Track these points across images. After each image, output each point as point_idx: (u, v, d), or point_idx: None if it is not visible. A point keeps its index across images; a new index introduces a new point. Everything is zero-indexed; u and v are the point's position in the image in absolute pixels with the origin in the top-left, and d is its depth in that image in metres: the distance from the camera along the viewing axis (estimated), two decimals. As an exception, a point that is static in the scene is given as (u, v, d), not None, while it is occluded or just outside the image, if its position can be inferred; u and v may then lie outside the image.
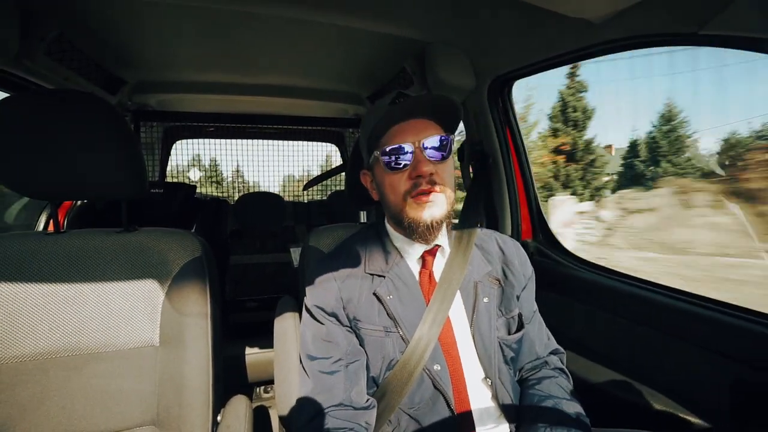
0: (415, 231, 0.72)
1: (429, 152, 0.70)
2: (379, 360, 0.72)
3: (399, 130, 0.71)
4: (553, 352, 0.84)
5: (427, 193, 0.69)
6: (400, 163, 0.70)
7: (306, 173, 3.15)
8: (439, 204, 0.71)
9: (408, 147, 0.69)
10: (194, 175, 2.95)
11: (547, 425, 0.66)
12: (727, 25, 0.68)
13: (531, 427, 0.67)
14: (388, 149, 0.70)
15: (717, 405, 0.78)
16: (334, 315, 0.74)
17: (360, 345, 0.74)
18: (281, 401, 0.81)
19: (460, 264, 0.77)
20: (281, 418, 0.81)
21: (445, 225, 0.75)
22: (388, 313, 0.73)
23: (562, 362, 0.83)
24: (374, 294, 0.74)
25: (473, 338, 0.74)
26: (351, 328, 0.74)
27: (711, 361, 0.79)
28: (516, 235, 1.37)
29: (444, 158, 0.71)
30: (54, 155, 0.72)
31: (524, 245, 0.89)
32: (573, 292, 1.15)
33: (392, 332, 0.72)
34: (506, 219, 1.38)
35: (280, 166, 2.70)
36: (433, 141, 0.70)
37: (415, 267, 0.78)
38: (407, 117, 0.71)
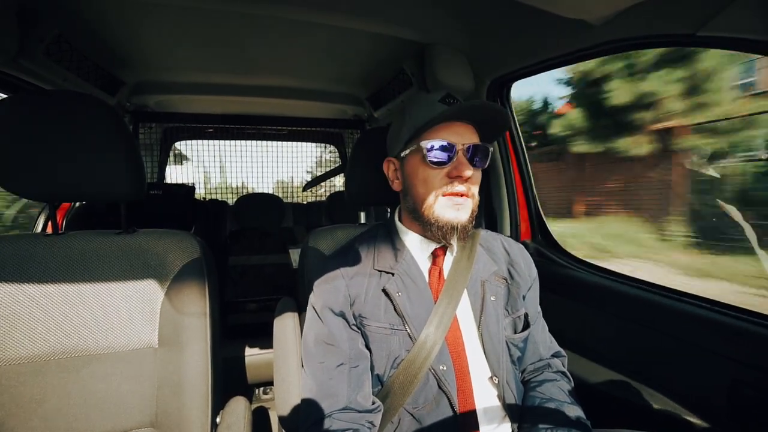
0: (437, 228, 0.71)
1: (471, 157, 0.71)
2: (384, 358, 0.71)
3: (446, 129, 0.71)
4: (555, 355, 0.84)
5: (460, 195, 0.70)
6: (442, 160, 0.70)
7: (305, 174, 3.15)
8: (467, 209, 0.72)
9: (455, 146, 0.70)
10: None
11: (549, 426, 0.66)
12: (725, 26, 0.69)
13: (533, 429, 0.67)
14: (432, 144, 0.70)
15: (716, 406, 0.78)
16: (341, 314, 0.73)
17: (365, 344, 0.73)
18: (281, 402, 0.81)
19: (466, 263, 0.77)
20: (281, 420, 0.80)
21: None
22: (396, 311, 0.72)
23: (563, 365, 0.83)
24: (383, 290, 0.74)
25: (481, 337, 0.74)
26: (357, 326, 0.74)
27: (710, 361, 0.79)
28: (515, 235, 1.37)
29: (479, 167, 0.73)
30: (52, 156, 0.72)
31: (523, 246, 0.89)
32: (572, 293, 1.15)
33: (399, 330, 0.72)
34: (505, 220, 1.39)
35: (278, 167, 2.70)
36: (477, 148, 0.71)
37: (423, 265, 0.78)
38: (455, 118, 0.72)
